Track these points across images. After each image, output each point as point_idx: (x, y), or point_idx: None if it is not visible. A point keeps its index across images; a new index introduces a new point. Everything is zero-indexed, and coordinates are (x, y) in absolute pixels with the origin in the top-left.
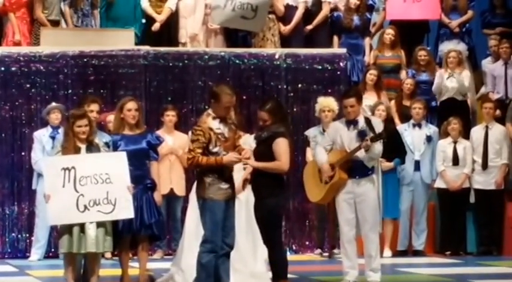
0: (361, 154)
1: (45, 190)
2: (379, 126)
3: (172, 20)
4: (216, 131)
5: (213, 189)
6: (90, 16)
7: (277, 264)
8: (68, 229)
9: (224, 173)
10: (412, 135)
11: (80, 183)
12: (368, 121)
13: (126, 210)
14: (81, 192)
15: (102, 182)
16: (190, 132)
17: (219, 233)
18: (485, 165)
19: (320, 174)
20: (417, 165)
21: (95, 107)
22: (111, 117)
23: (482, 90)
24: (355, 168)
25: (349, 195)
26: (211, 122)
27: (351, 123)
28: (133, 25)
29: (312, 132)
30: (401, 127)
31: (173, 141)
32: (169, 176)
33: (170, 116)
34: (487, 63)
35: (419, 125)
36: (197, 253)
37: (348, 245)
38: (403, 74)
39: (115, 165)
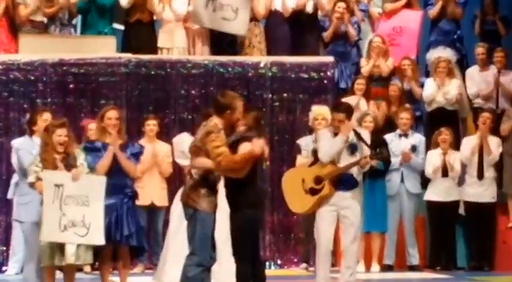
0: (353, 168)
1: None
2: (367, 138)
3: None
4: None
5: (207, 201)
6: (69, 25)
7: (240, 280)
8: (49, 243)
9: (216, 186)
10: (398, 146)
11: (65, 202)
12: (357, 134)
13: (97, 237)
14: (64, 211)
15: (81, 204)
16: (200, 135)
17: (209, 247)
18: (481, 176)
19: (304, 184)
20: (402, 176)
21: (47, 115)
22: (92, 126)
23: (478, 100)
24: (342, 181)
25: (333, 207)
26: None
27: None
28: (109, 32)
29: (304, 141)
30: (387, 137)
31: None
32: (150, 187)
33: (151, 125)
34: (474, 71)
35: (406, 135)
36: (183, 266)
37: (325, 257)
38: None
39: (94, 188)
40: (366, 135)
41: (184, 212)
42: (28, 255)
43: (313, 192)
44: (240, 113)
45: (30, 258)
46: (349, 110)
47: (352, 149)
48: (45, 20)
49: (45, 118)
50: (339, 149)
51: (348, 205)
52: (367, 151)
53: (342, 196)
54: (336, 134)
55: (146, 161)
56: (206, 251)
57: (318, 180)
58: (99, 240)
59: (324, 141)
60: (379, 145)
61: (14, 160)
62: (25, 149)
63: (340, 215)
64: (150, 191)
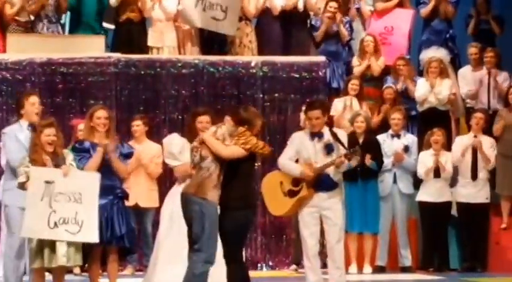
0: (329, 168)
1: (26, 199)
2: (344, 138)
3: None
4: None
5: (216, 193)
6: (57, 23)
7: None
8: (39, 244)
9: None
10: (391, 146)
11: (55, 199)
12: (334, 133)
13: (90, 234)
14: (54, 208)
15: (74, 201)
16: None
17: (216, 244)
18: (474, 177)
19: (282, 186)
20: (395, 177)
21: (34, 99)
22: (81, 126)
23: (470, 101)
24: (320, 182)
25: (314, 208)
26: None
27: (316, 135)
28: (100, 32)
29: None
30: (379, 138)
31: (142, 151)
32: (134, 188)
33: (135, 126)
34: (466, 71)
35: (398, 136)
36: (188, 263)
37: (314, 259)
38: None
39: (88, 185)
40: (343, 135)
41: (190, 208)
42: (8, 239)
43: (291, 194)
44: (257, 131)
45: (11, 244)
46: (324, 106)
47: (329, 149)
48: (31, 18)
49: (32, 101)
50: (290, 171)
51: (328, 206)
52: (343, 151)
53: (321, 197)
54: (312, 134)
55: (132, 162)
56: (214, 248)
57: (296, 182)
58: (93, 237)
59: (288, 150)
60: (371, 145)
61: (2, 161)
62: (11, 133)
63: (322, 216)
64: (135, 192)
